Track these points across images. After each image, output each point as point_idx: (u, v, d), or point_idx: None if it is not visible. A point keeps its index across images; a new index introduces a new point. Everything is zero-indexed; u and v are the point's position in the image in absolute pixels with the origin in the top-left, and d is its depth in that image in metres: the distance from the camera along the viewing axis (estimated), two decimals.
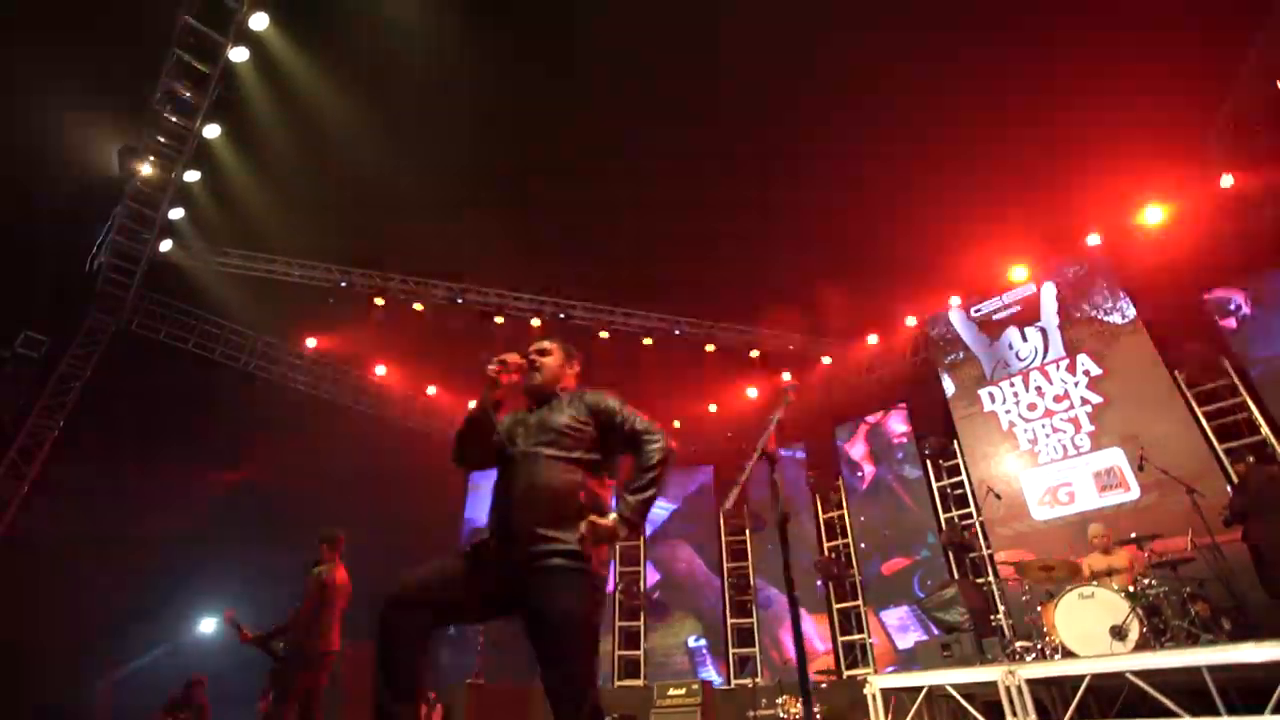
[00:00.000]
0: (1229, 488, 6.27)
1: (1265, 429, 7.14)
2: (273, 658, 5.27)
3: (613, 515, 2.05)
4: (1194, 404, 7.59)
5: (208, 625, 11.77)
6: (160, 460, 10.24)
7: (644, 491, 2.07)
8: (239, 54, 6.79)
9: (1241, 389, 7.46)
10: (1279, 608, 5.17)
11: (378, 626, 1.99)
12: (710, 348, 11.64)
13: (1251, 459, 6.10)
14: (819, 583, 9.92)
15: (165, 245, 9.09)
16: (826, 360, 11.75)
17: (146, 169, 7.95)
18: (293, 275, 10.17)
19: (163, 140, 7.73)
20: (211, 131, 7.55)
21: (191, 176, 8.07)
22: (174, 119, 7.44)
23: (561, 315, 11.12)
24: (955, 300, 9.81)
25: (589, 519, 2.02)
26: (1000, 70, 7.52)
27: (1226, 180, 8.09)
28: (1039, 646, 5.67)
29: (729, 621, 10.82)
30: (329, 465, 11.40)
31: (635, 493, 2.06)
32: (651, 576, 11.75)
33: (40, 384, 9.40)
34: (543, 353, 2.44)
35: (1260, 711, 4.03)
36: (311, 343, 11.68)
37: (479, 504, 12.77)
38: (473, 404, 2.26)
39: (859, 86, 7.94)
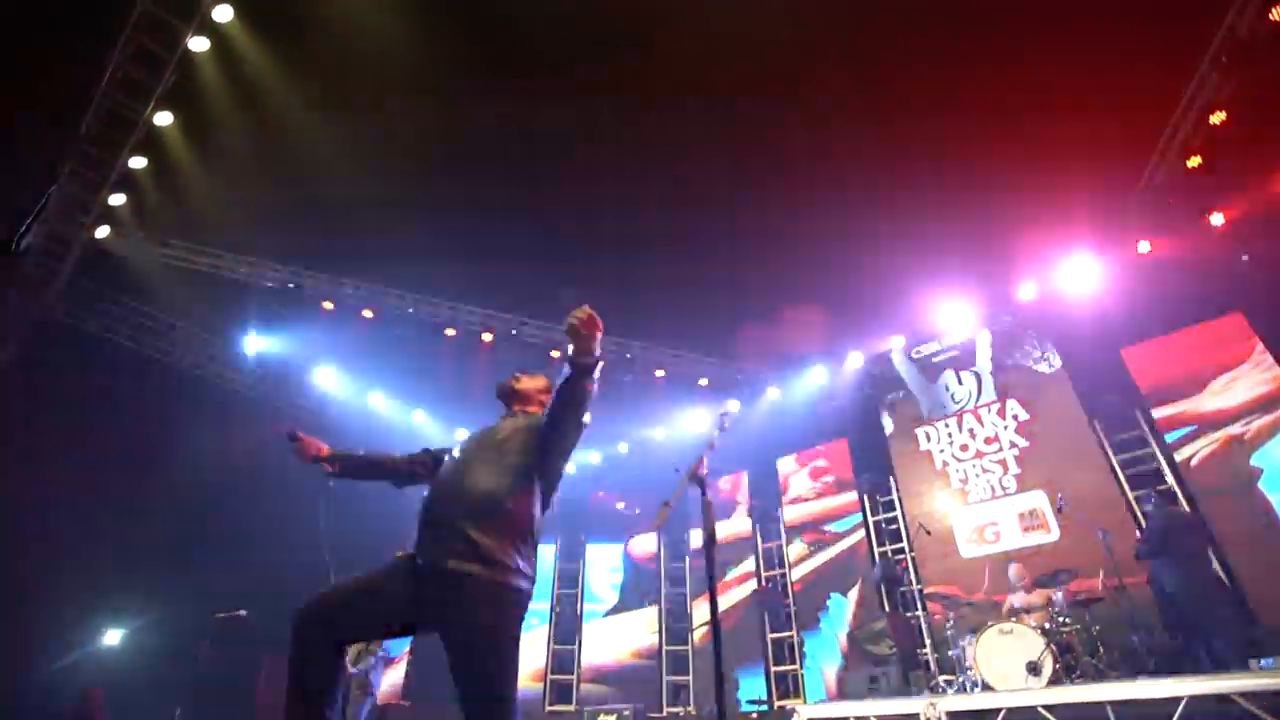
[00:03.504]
0: (1138, 531, 6.67)
1: (1170, 478, 7.67)
2: None
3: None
4: (1110, 453, 8.07)
5: (113, 637, 11.05)
6: (79, 457, 9.66)
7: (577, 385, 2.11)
8: (199, 43, 6.64)
9: (1152, 441, 7.99)
10: (1177, 645, 5.51)
11: (290, 640, 1.92)
12: (660, 373, 11.76)
13: (1155, 497, 6.50)
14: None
15: (102, 231, 8.68)
16: (774, 392, 12.01)
17: (89, 150, 7.63)
18: (239, 272, 9.85)
19: (107, 122, 7.44)
20: (163, 119, 7.31)
21: (138, 163, 7.77)
22: (123, 100, 7.18)
23: (513, 331, 11.07)
24: (898, 341, 10.21)
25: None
26: (947, 126, 7.99)
27: (1144, 246, 8.74)
28: (960, 680, 5.87)
29: (664, 648, 10.78)
30: (260, 469, 10.96)
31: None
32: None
33: None
34: (517, 378, 2.54)
35: None
36: (254, 341, 11.28)
37: None
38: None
39: (812, 128, 8.31)
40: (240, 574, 9.01)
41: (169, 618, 9.40)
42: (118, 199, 8.22)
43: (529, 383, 2.49)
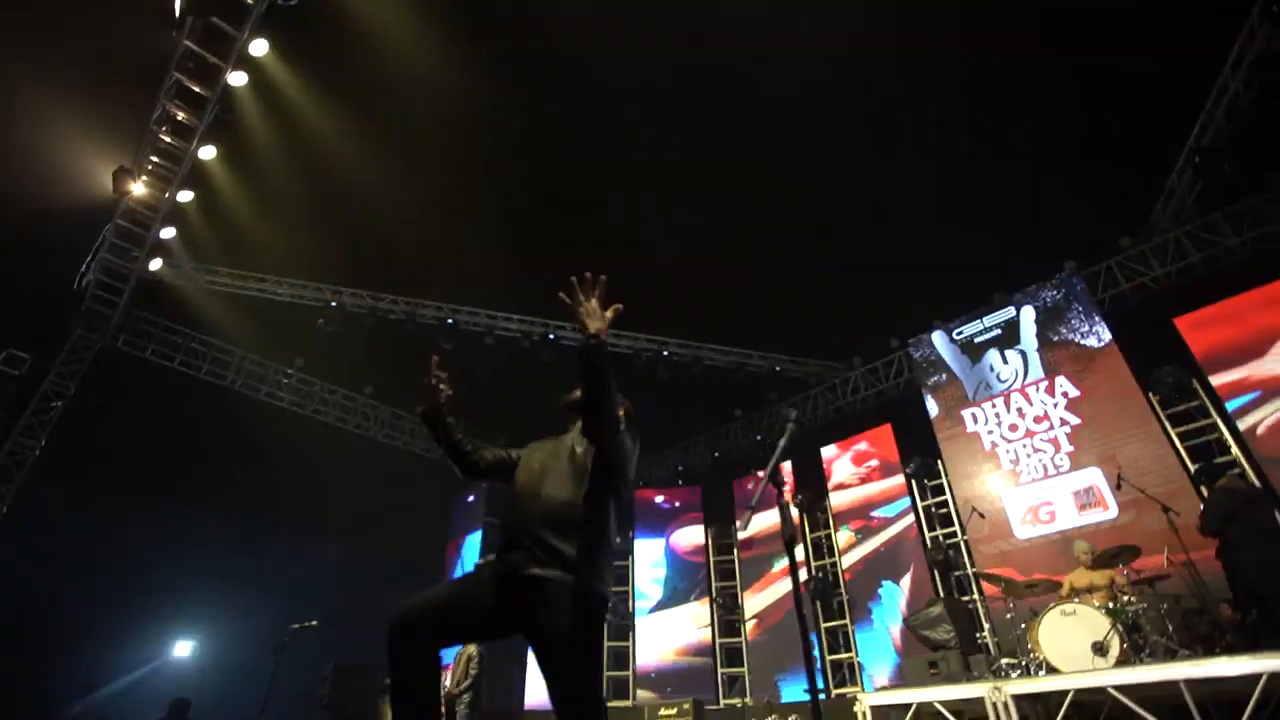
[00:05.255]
0: (1200, 505, 6.47)
1: (1235, 449, 7.41)
2: None
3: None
4: (1168, 425, 7.85)
5: (183, 649, 11.56)
6: (141, 480, 10.13)
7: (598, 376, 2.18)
8: (238, 78, 6.88)
9: (1213, 411, 7.74)
10: (1257, 622, 5.34)
11: (387, 650, 2.03)
12: (698, 369, 11.78)
13: (1227, 478, 6.30)
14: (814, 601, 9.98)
15: (155, 264, 9.07)
16: (813, 381, 11.94)
17: (139, 189, 7.97)
18: (282, 294, 10.18)
19: (157, 161, 7.77)
20: (207, 153, 7.60)
21: (185, 197, 8.09)
22: (170, 140, 7.49)
23: (551, 336, 11.21)
24: (938, 323, 10.05)
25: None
26: (979, 94, 7.85)
27: (1192, 210, 8.45)
28: (1024, 663, 5.79)
29: (717, 641, 10.84)
30: (313, 486, 11.34)
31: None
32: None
33: (22, 402, 9.28)
34: None
35: None
36: (299, 361, 11.64)
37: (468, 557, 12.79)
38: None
39: (838, 109, 8.24)
40: (306, 583, 9.35)
41: (241, 630, 9.81)
42: (168, 232, 8.57)
43: None
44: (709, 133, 8.64)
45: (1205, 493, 6.58)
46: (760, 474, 11.57)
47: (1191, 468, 7.50)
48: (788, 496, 1.99)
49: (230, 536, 10.57)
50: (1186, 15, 7.08)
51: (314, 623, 6.02)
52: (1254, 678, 4.08)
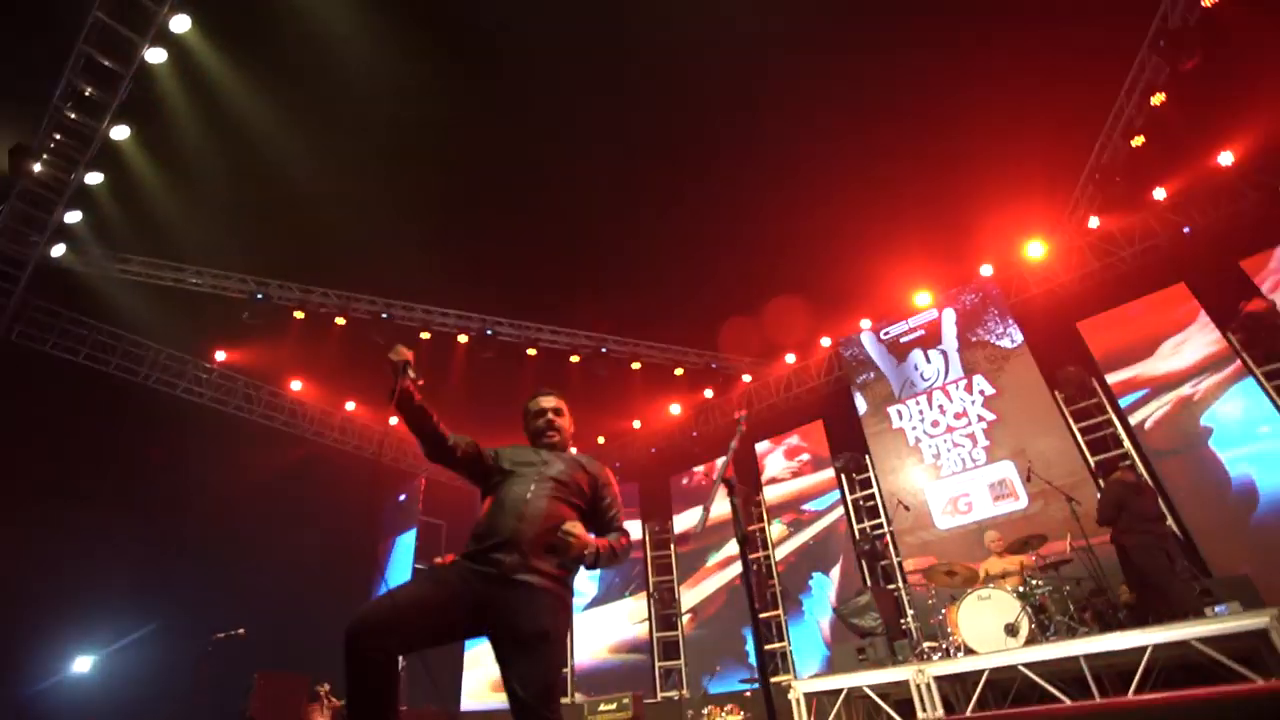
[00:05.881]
0: (1098, 495, 7.06)
1: (1127, 442, 8.13)
2: None
3: (594, 542, 2.29)
4: (1071, 421, 8.51)
5: (82, 664, 10.78)
6: (42, 480, 9.38)
7: (615, 559, 2.39)
8: (156, 55, 6.47)
9: (1109, 407, 8.44)
10: (1141, 601, 5.88)
11: (347, 655, 1.93)
12: (636, 365, 11.89)
13: (1120, 470, 6.89)
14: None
15: (57, 250, 8.41)
16: (747, 379, 12.26)
17: (39, 168, 7.38)
18: (203, 285, 9.63)
19: (61, 139, 7.21)
20: (120, 133, 7.11)
21: (94, 178, 7.54)
22: (76, 117, 6.96)
23: (489, 331, 11.07)
24: (866, 323, 10.52)
25: (577, 533, 2.20)
26: (909, 113, 8.26)
27: (1093, 222, 9.18)
28: (944, 646, 6.17)
29: (654, 635, 10.99)
30: (235, 487, 10.78)
31: (609, 554, 2.35)
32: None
33: None
34: (558, 413, 2.64)
35: (1125, 692, 4.61)
36: (220, 356, 11.05)
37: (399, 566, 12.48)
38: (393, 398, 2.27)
39: (773, 118, 8.49)
40: (227, 591, 8.89)
41: (158, 640, 9.24)
42: (74, 216, 7.97)
43: (565, 435, 2.65)
44: (646, 123, 8.67)
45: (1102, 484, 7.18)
46: (697, 470, 11.84)
47: (1091, 461, 8.18)
48: (735, 494, 2.09)
49: (143, 541, 9.91)
50: (1086, 47, 7.71)
51: (240, 631, 5.74)
52: (1140, 650, 4.51)
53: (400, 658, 2.09)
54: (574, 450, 2.67)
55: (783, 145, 8.80)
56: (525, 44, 7.74)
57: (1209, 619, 4.55)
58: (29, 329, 9.48)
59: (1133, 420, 8.05)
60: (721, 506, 2.16)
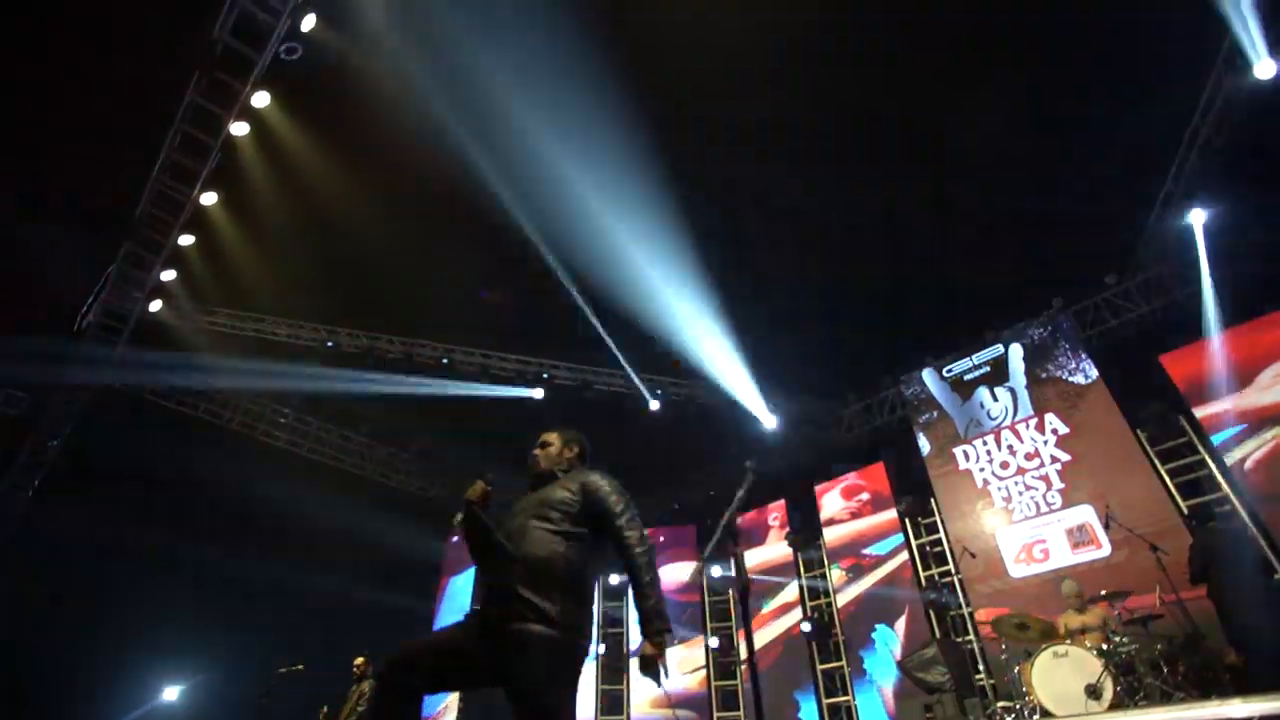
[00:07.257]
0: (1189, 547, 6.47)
1: (1224, 485, 7.39)
2: None
3: (645, 645, 2.20)
4: (1156, 462, 7.86)
5: (171, 694, 11.35)
6: (137, 520, 10.10)
7: (650, 601, 2.21)
8: (239, 128, 7.13)
9: (1199, 446, 7.75)
10: (1251, 664, 5.30)
11: (377, 681, 2.19)
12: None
13: (1212, 522, 6.31)
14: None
15: (155, 305, 9.22)
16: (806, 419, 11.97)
17: (142, 233, 8.17)
18: (279, 334, 10.31)
19: (157, 209, 7.98)
20: (208, 198, 7.82)
21: (186, 240, 8.28)
22: (172, 185, 7.70)
23: (545, 375, 11.31)
24: (929, 360, 10.14)
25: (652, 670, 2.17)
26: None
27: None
28: (1018, 706, 5.72)
29: (713, 684, 10.62)
30: (305, 526, 11.29)
31: (646, 612, 2.21)
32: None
33: (19, 441, 9.33)
34: (543, 445, 2.70)
35: None
36: (295, 401, 11.72)
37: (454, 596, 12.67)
38: (458, 518, 2.38)
39: (824, 157, 8.46)
40: (294, 628, 9.22)
41: (230, 674, 9.66)
42: (169, 274, 8.74)
43: (544, 459, 2.66)
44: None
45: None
46: (756, 513, 11.55)
47: (1183, 505, 7.48)
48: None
49: (221, 577, 10.48)
50: (1159, 64, 7.39)
51: (299, 666, 5.96)
52: None
53: (447, 695, 2.21)
54: (571, 471, 2.63)
55: (847, 170, 8.67)
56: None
57: None
58: (132, 378, 10.35)
59: (1229, 460, 7.35)
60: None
